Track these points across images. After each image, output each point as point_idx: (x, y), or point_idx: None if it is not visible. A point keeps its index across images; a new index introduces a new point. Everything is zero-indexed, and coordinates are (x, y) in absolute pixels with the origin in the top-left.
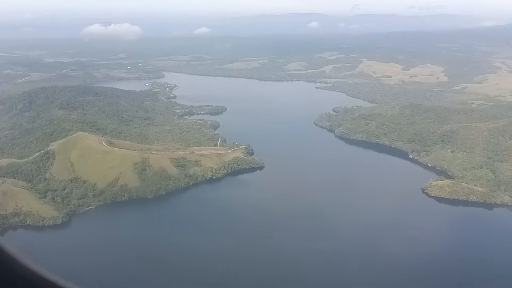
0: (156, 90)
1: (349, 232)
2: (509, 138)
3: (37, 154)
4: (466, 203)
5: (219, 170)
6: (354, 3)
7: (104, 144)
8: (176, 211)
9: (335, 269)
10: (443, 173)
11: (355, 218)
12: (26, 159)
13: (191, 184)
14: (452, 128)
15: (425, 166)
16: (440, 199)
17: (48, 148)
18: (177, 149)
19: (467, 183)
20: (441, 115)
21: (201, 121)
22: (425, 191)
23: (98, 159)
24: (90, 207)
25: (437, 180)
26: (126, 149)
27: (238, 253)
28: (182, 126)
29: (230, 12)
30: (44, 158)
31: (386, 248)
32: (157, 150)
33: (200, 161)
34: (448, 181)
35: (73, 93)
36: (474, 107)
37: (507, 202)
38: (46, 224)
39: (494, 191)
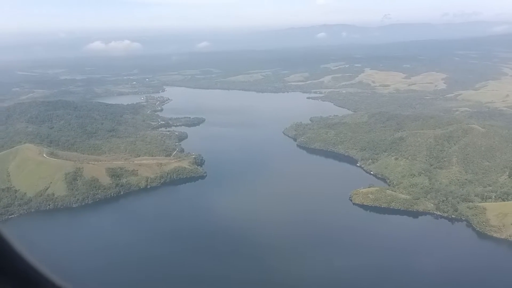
0: (144, 103)
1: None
2: (454, 144)
3: None
4: (388, 210)
5: (155, 179)
6: (384, 13)
7: (44, 155)
8: (93, 220)
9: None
10: (383, 181)
11: (261, 226)
12: None
13: (122, 193)
14: (402, 135)
15: (368, 174)
16: (363, 207)
17: None
18: (125, 159)
19: (394, 191)
20: (401, 123)
21: (168, 133)
22: (350, 198)
23: (33, 169)
24: (13, 216)
25: (368, 187)
26: (64, 159)
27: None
28: (146, 137)
29: (257, 26)
30: None
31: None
32: (96, 161)
33: (137, 170)
34: (373, 189)
35: (47, 107)
36: (431, 114)
37: (430, 210)
38: None
39: (418, 199)
